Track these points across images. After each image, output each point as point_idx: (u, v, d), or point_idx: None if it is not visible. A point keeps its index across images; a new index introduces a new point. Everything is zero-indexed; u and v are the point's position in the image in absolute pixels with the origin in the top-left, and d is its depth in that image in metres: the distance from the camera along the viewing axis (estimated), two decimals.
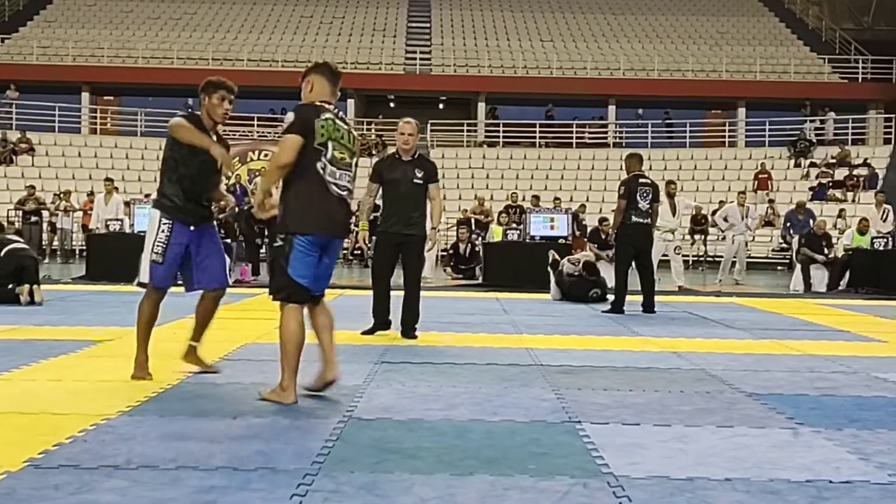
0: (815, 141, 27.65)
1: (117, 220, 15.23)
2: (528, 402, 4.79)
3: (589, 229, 16.79)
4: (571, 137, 29.14)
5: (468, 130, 30.07)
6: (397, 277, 7.57)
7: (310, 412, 4.45)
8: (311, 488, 3.18)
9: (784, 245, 21.11)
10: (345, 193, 4.70)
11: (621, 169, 13.81)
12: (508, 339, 7.58)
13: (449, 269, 15.77)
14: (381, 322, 7.52)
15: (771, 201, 24.10)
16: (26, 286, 9.35)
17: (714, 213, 20.08)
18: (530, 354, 6.58)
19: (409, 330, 7.40)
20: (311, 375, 4.78)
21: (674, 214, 14.09)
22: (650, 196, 9.97)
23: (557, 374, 5.75)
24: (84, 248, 17.37)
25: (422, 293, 7.61)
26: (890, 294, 13.21)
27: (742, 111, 31.22)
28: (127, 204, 16.62)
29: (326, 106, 4.70)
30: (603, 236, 14.49)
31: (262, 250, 14.65)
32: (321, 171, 4.59)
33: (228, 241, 13.82)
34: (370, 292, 7.72)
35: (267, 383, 5.17)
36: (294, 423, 4.20)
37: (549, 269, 11.98)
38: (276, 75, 30.17)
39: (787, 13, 36.98)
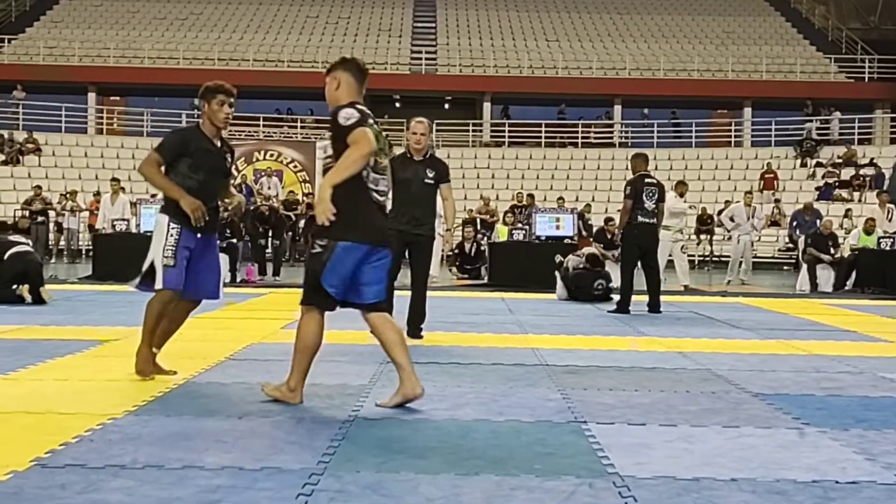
0: (819, 140, 27.58)
1: (123, 220, 15.27)
2: (534, 402, 4.79)
3: (594, 229, 16.78)
4: (577, 137, 29.14)
5: (473, 130, 30.06)
6: (402, 277, 7.56)
7: (316, 412, 4.45)
8: (317, 488, 3.18)
9: (790, 245, 21.09)
10: (383, 199, 4.60)
11: (627, 169, 13.80)
12: (514, 339, 7.58)
13: (454, 269, 15.76)
14: None
15: (777, 201, 24.05)
16: (26, 286, 9.36)
17: (720, 212, 20.05)
18: (536, 354, 6.57)
19: (415, 330, 7.38)
20: (315, 375, 4.78)
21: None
22: (656, 196, 9.97)
23: (563, 374, 5.75)
24: (90, 247, 17.40)
25: (427, 293, 7.60)
26: None
27: (748, 111, 31.17)
28: (133, 204, 16.65)
29: (365, 109, 4.51)
30: (609, 236, 14.49)
31: (268, 250, 14.68)
32: (364, 178, 4.45)
33: (234, 240, 13.84)
34: None
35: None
36: (300, 423, 4.21)
37: (556, 273, 11.97)
38: (282, 75, 30.24)
39: (794, 13, 36.91)
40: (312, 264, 4.50)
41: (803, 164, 26.77)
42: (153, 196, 17.03)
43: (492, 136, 30.29)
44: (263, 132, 27.08)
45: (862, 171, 25.46)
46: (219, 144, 5.33)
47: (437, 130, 28.43)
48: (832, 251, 15.05)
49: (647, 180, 10.02)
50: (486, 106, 31.49)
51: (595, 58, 32.05)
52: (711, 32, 34.96)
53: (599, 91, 30.95)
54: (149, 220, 13.69)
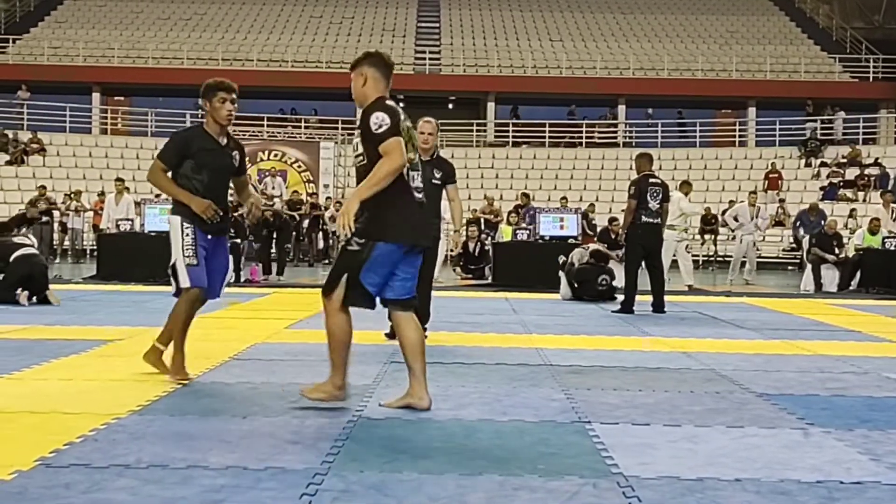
0: (824, 140, 27.54)
1: (128, 219, 15.29)
2: (538, 402, 4.78)
3: (599, 229, 16.77)
4: (581, 137, 29.13)
5: (477, 130, 30.06)
6: None
7: (319, 412, 4.45)
8: (321, 487, 3.18)
9: (794, 245, 21.06)
10: (421, 196, 4.52)
11: (631, 169, 13.82)
12: (518, 338, 7.57)
13: (458, 269, 15.77)
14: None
15: (782, 201, 24.04)
16: (25, 293, 9.32)
17: (724, 212, 20.04)
18: (540, 354, 6.57)
19: None
20: (319, 375, 4.77)
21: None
22: (660, 196, 9.96)
23: (567, 374, 5.75)
24: (95, 247, 17.43)
25: (432, 293, 7.60)
26: None
27: (752, 111, 31.14)
28: (137, 204, 16.67)
29: (395, 105, 4.42)
30: (613, 236, 14.48)
31: (272, 250, 14.68)
32: (404, 177, 4.38)
33: (238, 240, 13.84)
34: None
35: (276, 383, 5.19)
36: (304, 423, 4.21)
37: (559, 273, 11.95)
38: (286, 75, 30.28)
39: (798, 12, 36.87)
40: (349, 262, 4.38)
41: (807, 164, 26.74)
42: (157, 196, 17.06)
43: (496, 136, 30.28)
44: (267, 132, 27.12)
45: (866, 171, 25.45)
46: (224, 142, 5.31)
47: (441, 130, 28.44)
48: (836, 251, 15.03)
49: (651, 180, 10.01)
50: (490, 106, 31.48)
51: (599, 57, 32.04)
52: (715, 32, 34.94)
53: (603, 91, 30.94)
54: (153, 220, 13.74)
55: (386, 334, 7.32)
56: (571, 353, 6.65)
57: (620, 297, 10.34)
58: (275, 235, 15.00)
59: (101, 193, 21.06)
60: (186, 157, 5.20)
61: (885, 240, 14.69)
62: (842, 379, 5.78)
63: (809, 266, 15.20)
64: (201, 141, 5.24)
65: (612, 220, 15.22)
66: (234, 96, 5.25)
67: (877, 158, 26.18)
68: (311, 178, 24.47)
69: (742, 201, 17.40)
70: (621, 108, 31.30)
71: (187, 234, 5.18)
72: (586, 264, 11.60)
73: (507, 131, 29.84)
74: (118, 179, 18.35)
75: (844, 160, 26.24)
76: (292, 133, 28.11)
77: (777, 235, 22.66)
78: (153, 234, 13.68)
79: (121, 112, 30.58)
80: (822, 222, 17.16)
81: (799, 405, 4.83)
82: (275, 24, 34.63)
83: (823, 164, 26.45)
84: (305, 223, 21.26)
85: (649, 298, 10.04)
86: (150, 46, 31.53)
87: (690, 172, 25.31)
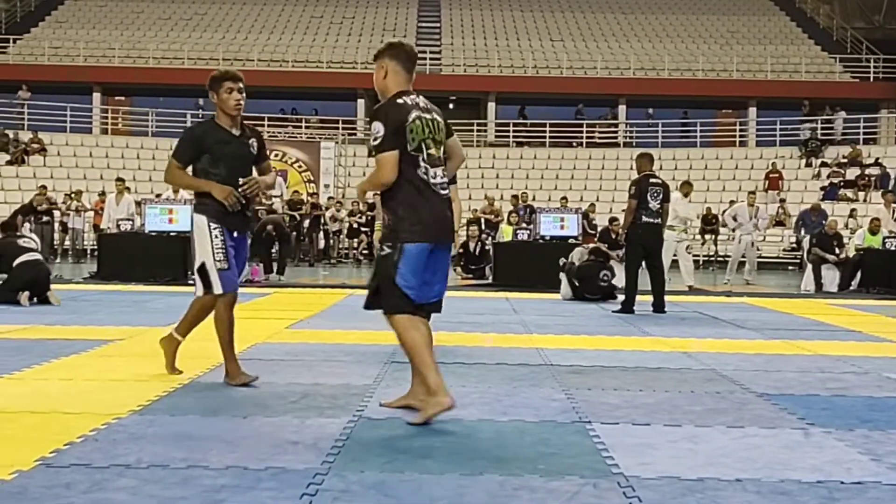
0: (824, 140, 27.53)
1: (128, 219, 15.28)
2: (538, 402, 4.78)
3: (599, 229, 16.76)
4: (582, 137, 29.12)
5: (478, 130, 30.06)
6: None
7: (320, 412, 4.45)
8: (322, 488, 3.19)
9: (795, 245, 21.06)
10: (445, 192, 4.40)
11: (631, 169, 13.81)
12: (518, 338, 7.57)
13: (459, 269, 15.77)
14: None
15: (782, 201, 24.03)
16: (25, 294, 9.37)
17: (724, 212, 20.04)
18: (540, 354, 6.57)
19: None
20: (319, 375, 4.77)
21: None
22: (661, 196, 9.95)
23: (567, 374, 5.75)
24: (95, 247, 17.43)
25: None
26: None
27: (753, 111, 31.13)
28: (138, 204, 16.68)
29: (408, 100, 4.30)
30: (613, 236, 14.47)
31: (274, 249, 14.67)
32: (424, 176, 4.27)
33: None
34: None
35: (276, 382, 5.18)
36: (304, 423, 4.21)
37: (560, 274, 11.94)
38: (287, 75, 30.27)
39: (798, 12, 36.87)
40: (384, 268, 4.30)
41: (808, 164, 26.74)
42: (158, 196, 17.07)
43: (496, 136, 30.28)
44: (268, 132, 27.11)
45: (867, 171, 25.44)
46: (238, 133, 5.22)
47: None
48: (837, 251, 15.03)
49: (651, 180, 10.01)
50: (491, 106, 31.48)
51: (600, 57, 32.04)
52: (716, 32, 34.93)
53: (604, 91, 30.93)
54: (154, 220, 13.74)
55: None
56: (572, 353, 6.65)
57: (621, 297, 10.35)
58: (276, 233, 14.98)
59: (102, 193, 21.06)
60: (202, 151, 5.12)
61: (886, 240, 14.69)
62: (842, 379, 5.78)
63: (810, 266, 15.20)
64: (215, 134, 5.15)
65: (613, 220, 15.21)
66: (240, 85, 5.16)
67: (877, 158, 26.18)
68: (312, 178, 24.47)
69: (742, 201, 17.39)
70: (622, 108, 31.29)
71: (216, 236, 5.08)
72: (587, 261, 11.63)
73: (508, 131, 29.83)
74: (119, 179, 18.34)
75: (845, 160, 26.23)
76: (293, 133, 28.12)
77: (777, 235, 22.65)
78: (154, 233, 13.69)
79: (121, 112, 30.58)
80: (824, 222, 17.15)
81: (799, 405, 4.83)
82: (275, 24, 34.64)
83: (824, 164, 26.44)
84: (306, 223, 21.25)
85: (650, 298, 10.04)
86: (151, 46, 31.53)
87: (691, 172, 25.31)
